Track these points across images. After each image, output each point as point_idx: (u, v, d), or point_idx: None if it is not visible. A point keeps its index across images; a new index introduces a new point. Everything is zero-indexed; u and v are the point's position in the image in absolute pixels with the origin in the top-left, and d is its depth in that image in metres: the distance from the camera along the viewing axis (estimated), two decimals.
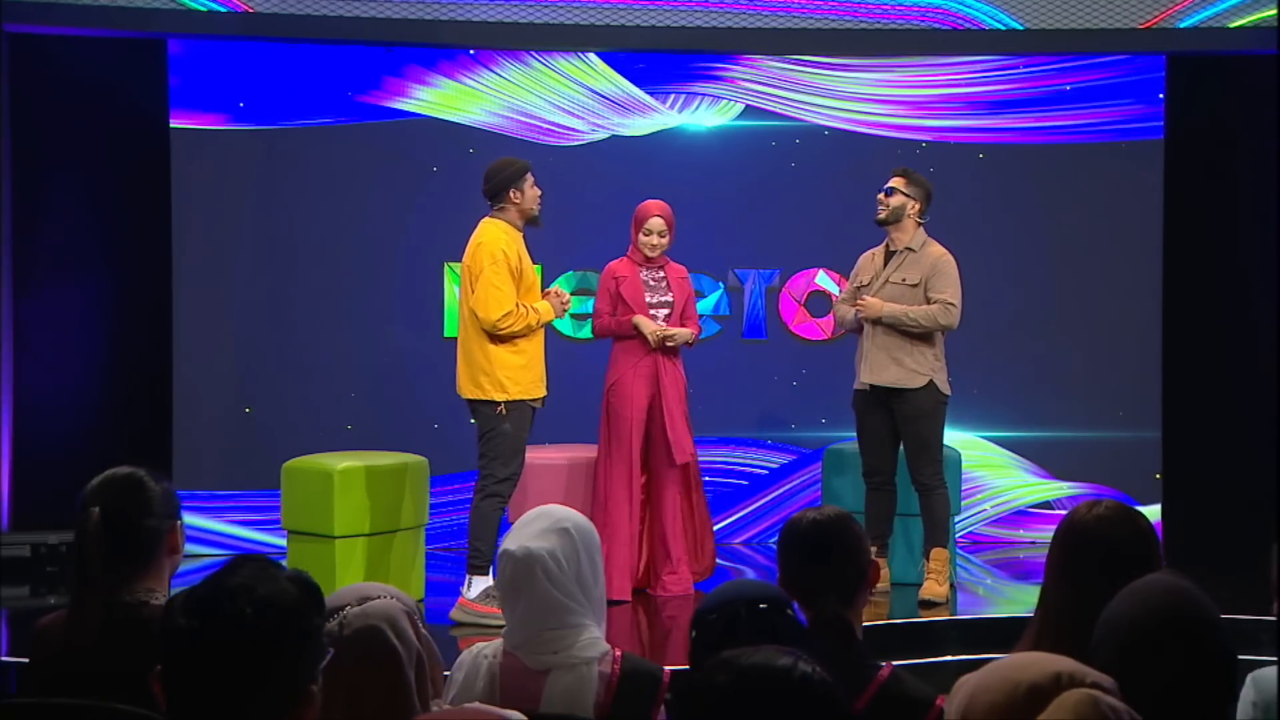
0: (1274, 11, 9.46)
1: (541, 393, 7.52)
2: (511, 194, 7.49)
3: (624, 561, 7.87)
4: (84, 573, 3.41)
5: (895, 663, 6.75)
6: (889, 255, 7.98)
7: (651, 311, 7.87)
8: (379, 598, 3.03)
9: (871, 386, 7.90)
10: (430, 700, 2.98)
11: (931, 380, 7.84)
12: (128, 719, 3.06)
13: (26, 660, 3.64)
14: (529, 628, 3.56)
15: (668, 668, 3.68)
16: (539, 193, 7.56)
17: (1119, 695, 2.27)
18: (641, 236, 7.90)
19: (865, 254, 8.14)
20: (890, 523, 8.08)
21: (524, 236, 7.57)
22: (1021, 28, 9.52)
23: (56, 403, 9.16)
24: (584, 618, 3.58)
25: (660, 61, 9.52)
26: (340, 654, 2.90)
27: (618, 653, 3.59)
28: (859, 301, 7.89)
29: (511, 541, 3.61)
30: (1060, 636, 3.14)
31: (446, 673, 3.66)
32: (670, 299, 7.94)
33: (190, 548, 8.83)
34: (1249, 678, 3.23)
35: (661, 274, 7.96)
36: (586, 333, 8.92)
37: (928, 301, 7.81)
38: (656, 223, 7.89)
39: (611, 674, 3.52)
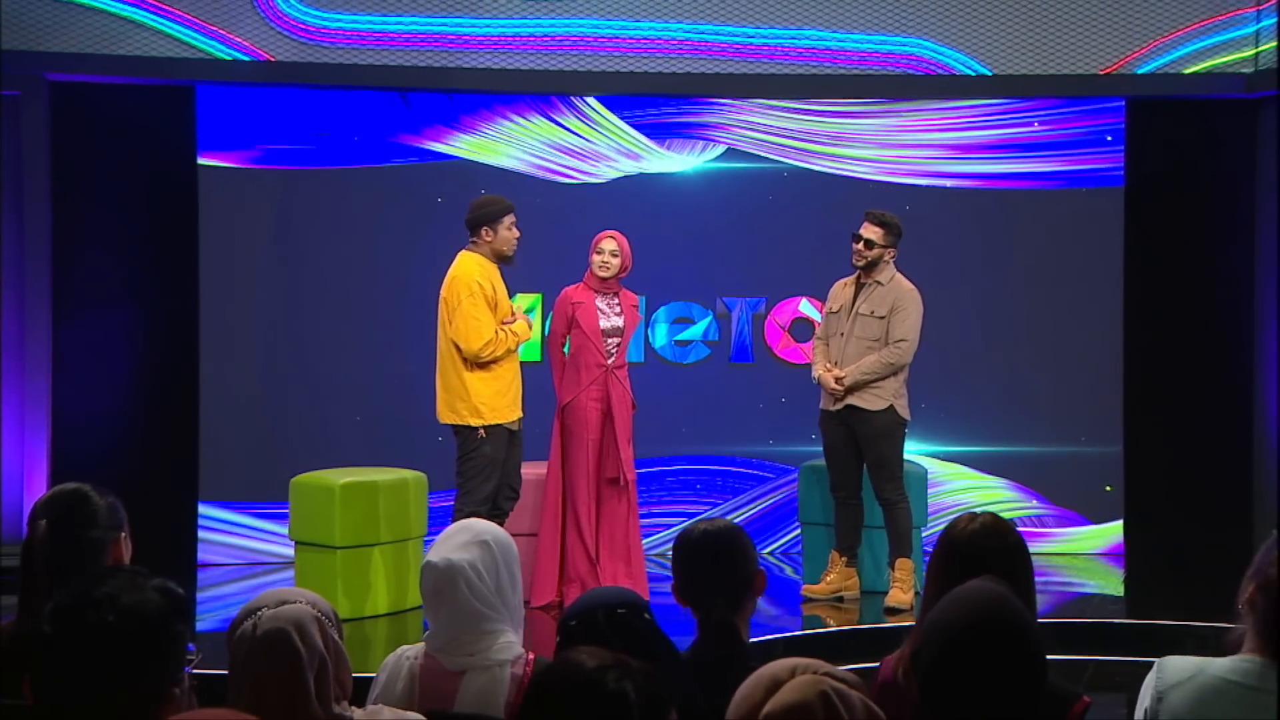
0: (1225, 59, 9.44)
1: (515, 415, 7.51)
2: (484, 231, 7.49)
3: (590, 574, 7.80)
4: (31, 581, 3.41)
5: (854, 666, 6.72)
6: (859, 286, 7.97)
7: (605, 339, 7.84)
8: (296, 603, 3.03)
9: (836, 409, 7.89)
10: (333, 702, 2.97)
11: (892, 405, 7.85)
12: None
13: None
14: (449, 633, 3.56)
15: None
16: (516, 234, 7.54)
17: (865, 690, 2.31)
18: (594, 256, 7.86)
19: (838, 283, 8.14)
20: (858, 534, 8.07)
21: (501, 270, 7.57)
22: (990, 73, 9.51)
23: (91, 423, 9.19)
24: (501, 624, 3.59)
25: (653, 105, 9.52)
26: (250, 652, 2.93)
27: (531, 656, 3.58)
28: (833, 388, 7.85)
29: (435, 554, 3.62)
30: None
31: (371, 675, 3.67)
32: (621, 324, 7.91)
33: (210, 555, 8.95)
34: (1156, 663, 3.21)
35: (615, 300, 7.93)
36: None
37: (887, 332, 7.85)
38: (608, 243, 7.86)
39: (524, 675, 3.51)
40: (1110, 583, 9.12)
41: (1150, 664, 6.66)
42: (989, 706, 2.46)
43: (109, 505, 3.51)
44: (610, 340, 7.84)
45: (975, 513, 3.52)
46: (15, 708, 3.08)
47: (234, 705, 2.89)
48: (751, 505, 9.63)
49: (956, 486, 9.59)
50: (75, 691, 2.25)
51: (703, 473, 9.64)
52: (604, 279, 7.85)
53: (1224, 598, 8.47)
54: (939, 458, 9.48)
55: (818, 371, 8.01)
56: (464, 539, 3.62)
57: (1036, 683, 2.52)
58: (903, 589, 7.85)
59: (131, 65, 9.01)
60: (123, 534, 3.53)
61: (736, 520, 9.54)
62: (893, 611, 7.81)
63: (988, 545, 3.33)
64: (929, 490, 8.75)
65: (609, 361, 7.82)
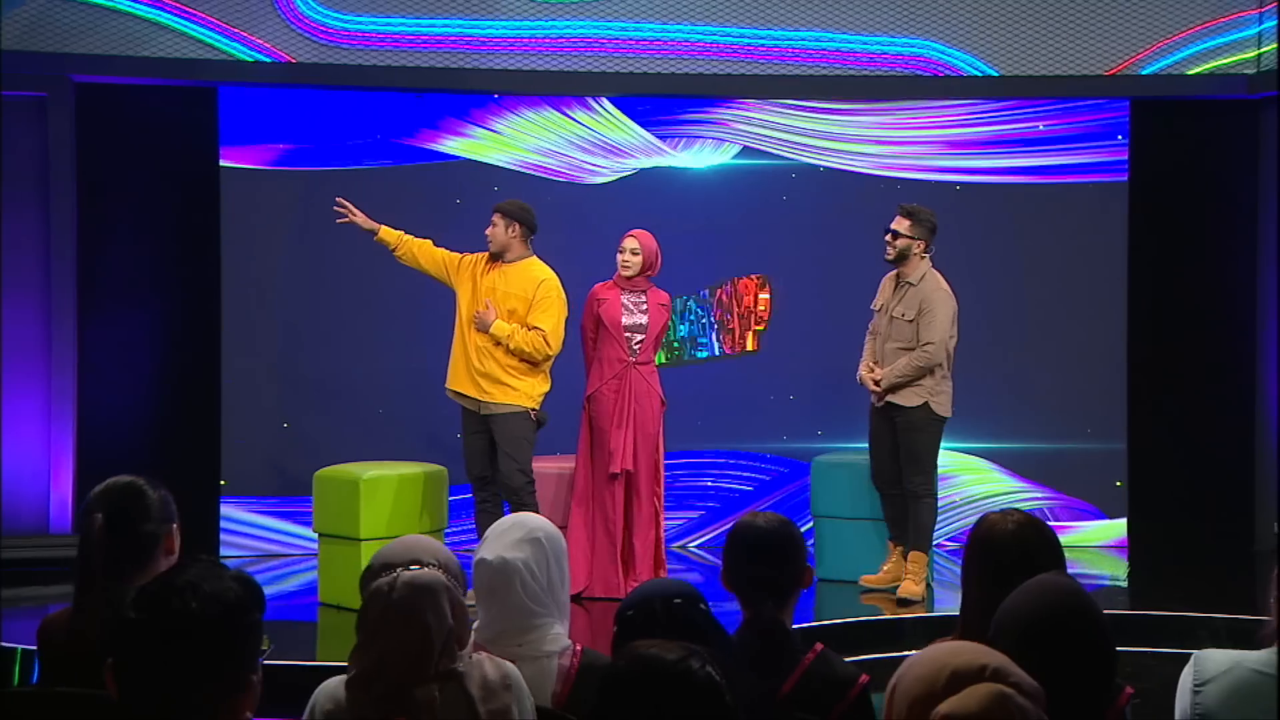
0: (1228, 60, 9.45)
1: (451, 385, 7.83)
2: None
3: (620, 564, 7.86)
4: (87, 573, 3.40)
5: (868, 657, 6.71)
6: (898, 285, 7.97)
7: (626, 334, 7.86)
8: (429, 565, 3.10)
9: (880, 405, 7.94)
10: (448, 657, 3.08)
11: (927, 401, 7.85)
12: (114, 706, 3.03)
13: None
14: (499, 626, 3.56)
15: None
16: (489, 233, 7.77)
17: (1042, 701, 2.24)
18: (618, 255, 7.92)
19: (886, 278, 8.11)
20: (905, 524, 8.04)
21: (495, 265, 7.77)
22: (996, 74, 9.52)
23: (117, 417, 9.18)
24: (550, 618, 3.58)
25: (665, 105, 9.53)
26: (384, 612, 3.04)
27: (578, 647, 3.59)
28: (872, 389, 7.91)
29: (488, 551, 3.59)
30: (982, 638, 3.12)
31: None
32: (645, 321, 7.92)
33: (232, 548, 8.96)
34: (1193, 656, 3.21)
35: (643, 298, 7.95)
36: None
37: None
38: (630, 242, 7.93)
39: (570, 667, 3.52)
40: (1115, 573, 9.13)
41: (1158, 654, 6.68)
42: (1062, 696, 2.45)
43: (161, 499, 3.50)
44: (633, 336, 7.86)
45: (1004, 510, 3.50)
46: (82, 696, 3.09)
47: (362, 657, 3.02)
48: (765, 499, 9.63)
49: (963, 480, 9.60)
50: (160, 678, 2.24)
51: (717, 467, 9.64)
52: (627, 278, 7.88)
53: (1226, 589, 8.51)
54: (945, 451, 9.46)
55: (861, 371, 8.05)
56: (517, 536, 3.60)
57: (1110, 675, 2.53)
58: (915, 581, 7.85)
59: (155, 67, 9.00)
60: (174, 526, 3.52)
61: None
62: (905, 603, 7.81)
63: (1032, 542, 3.33)
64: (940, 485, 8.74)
65: (631, 357, 7.84)
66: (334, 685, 3.13)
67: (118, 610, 2.31)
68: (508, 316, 7.61)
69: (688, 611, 3.25)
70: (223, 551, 9.07)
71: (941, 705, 2.12)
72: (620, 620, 3.30)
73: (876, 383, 7.88)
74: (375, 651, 2.99)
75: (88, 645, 3.31)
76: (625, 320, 7.86)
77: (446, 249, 7.90)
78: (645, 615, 3.23)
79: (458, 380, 7.74)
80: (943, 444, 9.28)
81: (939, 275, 7.94)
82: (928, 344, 7.80)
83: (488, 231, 7.72)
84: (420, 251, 7.89)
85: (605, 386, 7.84)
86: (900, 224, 7.92)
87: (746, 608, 3.59)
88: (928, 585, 7.99)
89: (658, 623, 3.17)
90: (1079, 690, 2.52)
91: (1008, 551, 3.30)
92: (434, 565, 3.09)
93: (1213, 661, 3.15)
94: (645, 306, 7.93)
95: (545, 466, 8.06)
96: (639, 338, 7.89)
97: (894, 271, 8.01)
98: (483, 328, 7.61)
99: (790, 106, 9.57)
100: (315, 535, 8.01)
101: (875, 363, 7.97)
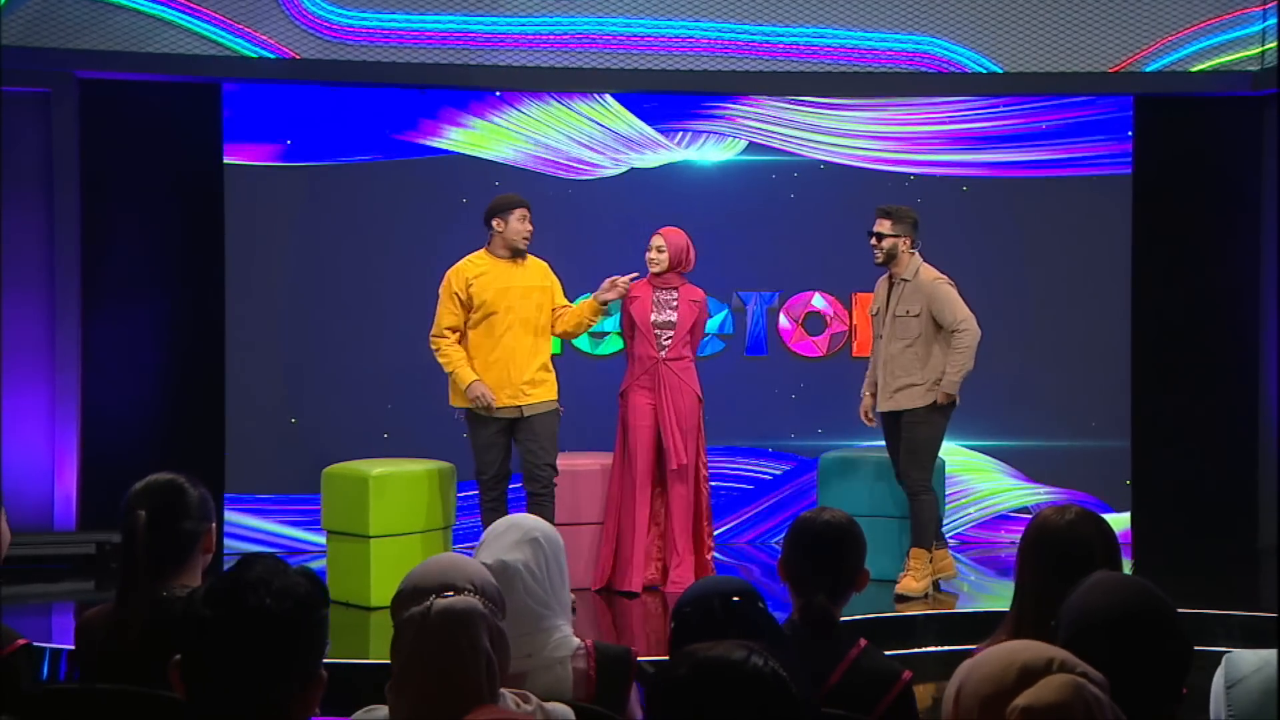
0: (1232, 57, 9.49)
1: (462, 403, 7.70)
2: (496, 222, 7.65)
3: (640, 558, 7.97)
4: (130, 570, 3.41)
5: (902, 653, 6.69)
6: (892, 285, 7.97)
7: (656, 331, 7.93)
8: (465, 591, 2.89)
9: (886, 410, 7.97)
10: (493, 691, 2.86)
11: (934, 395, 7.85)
12: (166, 703, 3.06)
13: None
14: (509, 631, 3.53)
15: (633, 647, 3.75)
16: (527, 229, 7.64)
17: (1107, 690, 2.25)
18: (646, 253, 8.04)
19: (879, 282, 8.11)
20: (938, 524, 8.07)
21: (513, 263, 7.67)
22: (1001, 71, 9.56)
23: (121, 414, 9.19)
24: (556, 619, 3.56)
25: (670, 102, 9.55)
26: (421, 640, 2.79)
27: (589, 643, 3.57)
28: (865, 421, 8.07)
29: (487, 554, 3.53)
30: (1039, 633, 3.14)
31: None
32: (674, 318, 7.97)
33: (239, 546, 8.96)
34: (1224, 658, 3.23)
35: (673, 294, 8.02)
36: (604, 349, 9.43)
37: (935, 325, 7.81)
38: (656, 240, 8.03)
39: (589, 668, 3.50)
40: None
41: None
42: (1135, 696, 2.45)
43: (200, 497, 3.51)
44: (662, 333, 7.93)
45: (1059, 505, 3.51)
46: (147, 696, 3.10)
47: (402, 684, 2.78)
48: (771, 496, 9.66)
49: (967, 479, 9.64)
50: (235, 675, 2.26)
51: (723, 465, 9.66)
52: (655, 274, 8.00)
53: (1232, 586, 8.51)
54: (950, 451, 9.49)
55: (861, 416, 8.18)
56: (514, 538, 3.57)
57: (1184, 676, 2.54)
58: (915, 578, 7.85)
59: (159, 63, 9.04)
60: (212, 524, 3.54)
61: (755, 512, 9.65)
62: (902, 599, 7.80)
63: (1092, 536, 3.34)
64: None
65: (661, 354, 7.90)
66: None
67: (189, 608, 2.33)
68: (535, 306, 7.65)
69: (746, 609, 3.27)
70: (226, 549, 9.07)
71: (1018, 699, 2.14)
72: (677, 618, 3.30)
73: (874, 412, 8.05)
74: (416, 683, 2.76)
75: (130, 643, 3.32)
76: (654, 317, 7.95)
77: (453, 330, 7.74)
78: (703, 613, 3.24)
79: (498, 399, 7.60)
80: (946, 441, 9.35)
81: (931, 267, 7.94)
82: (960, 323, 7.77)
83: (511, 233, 7.60)
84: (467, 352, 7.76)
85: (636, 384, 7.98)
86: (882, 225, 7.90)
87: (798, 599, 3.62)
88: (934, 584, 8.00)
89: (715, 621, 3.18)
90: (1153, 690, 2.52)
91: (1065, 546, 3.31)
92: (469, 590, 2.89)
93: (1244, 662, 3.17)
94: (676, 303, 7.99)
95: (582, 464, 8.19)
96: (668, 334, 7.95)
97: (885, 275, 8.02)
98: (604, 313, 7.78)
99: (795, 102, 9.60)
100: (324, 532, 8.02)
101: (874, 395, 8.02)
